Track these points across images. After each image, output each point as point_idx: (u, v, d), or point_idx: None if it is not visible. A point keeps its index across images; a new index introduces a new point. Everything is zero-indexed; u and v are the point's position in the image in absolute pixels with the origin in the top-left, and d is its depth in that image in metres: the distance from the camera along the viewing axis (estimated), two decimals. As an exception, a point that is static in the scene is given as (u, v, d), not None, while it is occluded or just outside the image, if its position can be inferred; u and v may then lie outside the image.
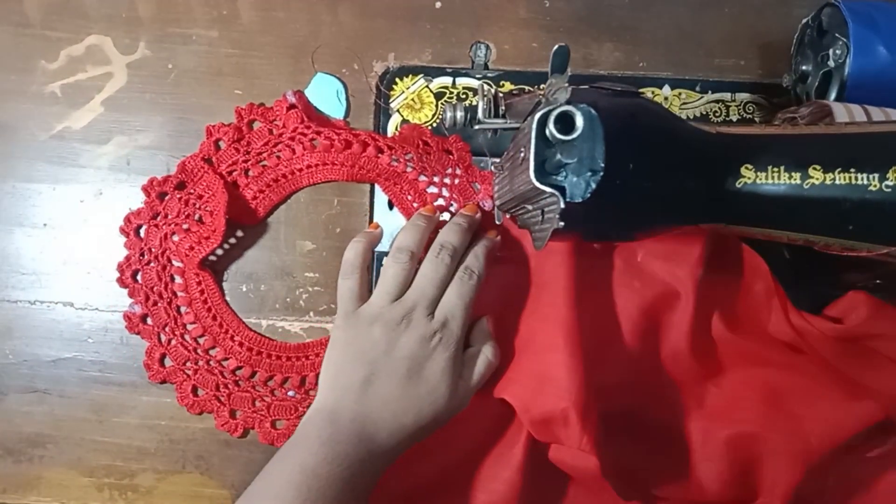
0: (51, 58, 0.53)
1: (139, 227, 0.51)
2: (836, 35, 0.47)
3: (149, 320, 0.51)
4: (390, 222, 0.52)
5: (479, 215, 0.49)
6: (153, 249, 0.51)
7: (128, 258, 0.51)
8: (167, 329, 0.51)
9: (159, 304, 0.50)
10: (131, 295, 0.51)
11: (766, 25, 0.54)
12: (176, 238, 0.50)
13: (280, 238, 0.52)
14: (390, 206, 0.52)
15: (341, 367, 0.44)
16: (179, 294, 0.51)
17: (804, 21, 0.52)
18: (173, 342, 0.51)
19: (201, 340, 0.51)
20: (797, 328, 0.46)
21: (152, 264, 0.51)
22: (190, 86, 0.53)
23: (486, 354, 0.46)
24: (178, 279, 0.51)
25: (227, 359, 0.51)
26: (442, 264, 0.45)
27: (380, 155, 0.51)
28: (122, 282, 0.51)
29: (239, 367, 0.51)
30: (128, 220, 0.51)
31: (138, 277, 0.51)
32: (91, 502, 0.52)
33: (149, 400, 0.52)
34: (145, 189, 0.51)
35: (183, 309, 0.51)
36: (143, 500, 0.52)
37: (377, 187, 0.52)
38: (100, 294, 0.52)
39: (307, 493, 0.39)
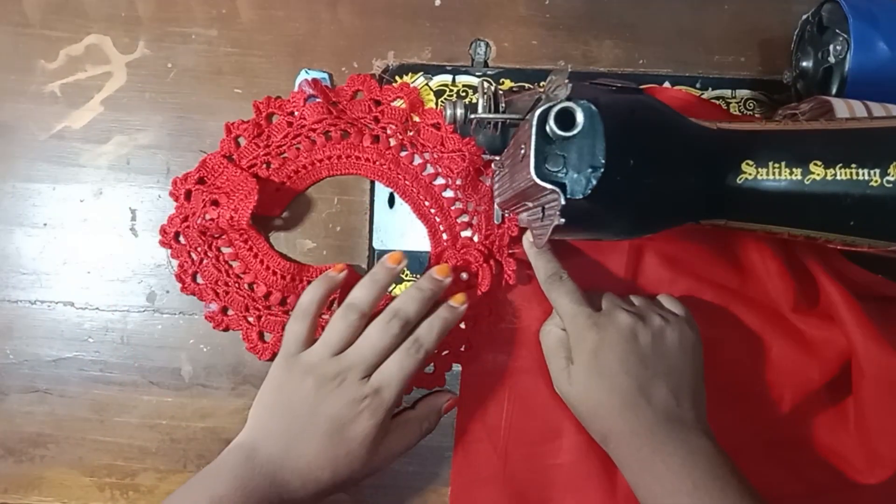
0: (50, 57, 0.53)
1: (177, 233, 0.51)
2: (837, 31, 0.47)
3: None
4: (391, 220, 0.52)
5: (448, 279, 0.46)
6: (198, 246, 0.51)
7: (181, 265, 0.51)
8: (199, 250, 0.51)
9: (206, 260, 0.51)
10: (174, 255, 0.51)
11: (765, 22, 0.54)
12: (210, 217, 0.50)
13: (280, 237, 0.52)
14: (391, 203, 0.52)
15: (269, 409, 0.44)
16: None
17: (804, 17, 0.52)
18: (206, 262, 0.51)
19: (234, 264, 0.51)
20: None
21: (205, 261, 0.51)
22: (189, 85, 0.53)
23: (423, 423, 0.47)
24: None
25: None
26: (388, 334, 0.43)
27: (403, 153, 0.51)
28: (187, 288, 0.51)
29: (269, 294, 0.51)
30: (163, 230, 0.51)
31: (198, 279, 0.51)
32: (92, 502, 0.52)
33: (150, 399, 0.52)
34: (173, 194, 0.51)
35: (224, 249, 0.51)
36: (144, 500, 0.51)
37: (378, 185, 0.52)
38: (100, 294, 0.52)
39: None
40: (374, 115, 0.52)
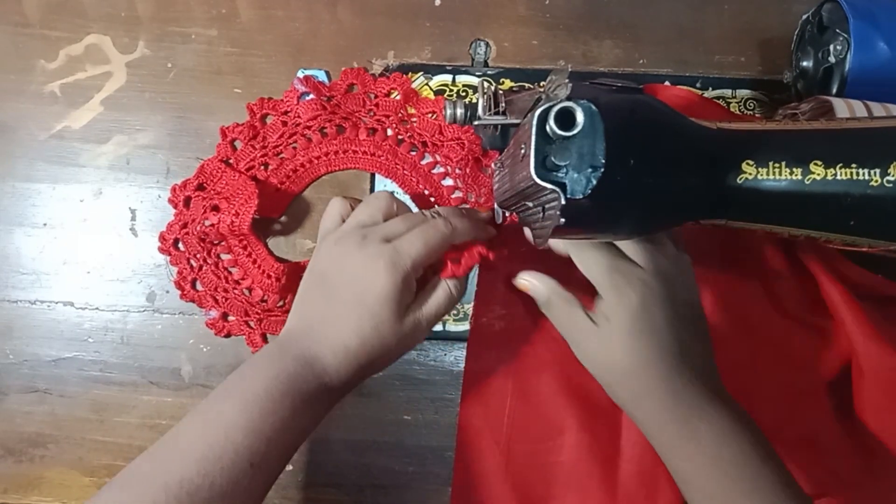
0: (50, 57, 0.53)
1: (176, 239, 0.51)
2: (837, 31, 0.47)
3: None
4: (390, 220, 0.52)
5: (485, 215, 0.48)
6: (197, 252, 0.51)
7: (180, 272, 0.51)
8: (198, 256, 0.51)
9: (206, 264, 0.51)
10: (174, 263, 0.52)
11: (766, 22, 0.54)
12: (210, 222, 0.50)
13: (281, 238, 0.52)
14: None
15: (300, 293, 0.44)
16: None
17: (804, 17, 0.52)
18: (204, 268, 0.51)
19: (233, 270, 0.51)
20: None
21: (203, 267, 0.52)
22: (189, 85, 0.53)
23: (446, 286, 0.44)
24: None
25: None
26: (418, 215, 0.44)
27: (400, 144, 0.52)
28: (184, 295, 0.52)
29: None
30: (162, 237, 0.51)
31: (197, 286, 0.52)
32: (92, 502, 0.52)
33: (149, 399, 0.52)
34: (171, 201, 0.51)
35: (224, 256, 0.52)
36: (144, 500, 0.51)
37: (378, 181, 0.52)
38: (100, 294, 0.52)
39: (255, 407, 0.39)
40: (368, 108, 0.52)
